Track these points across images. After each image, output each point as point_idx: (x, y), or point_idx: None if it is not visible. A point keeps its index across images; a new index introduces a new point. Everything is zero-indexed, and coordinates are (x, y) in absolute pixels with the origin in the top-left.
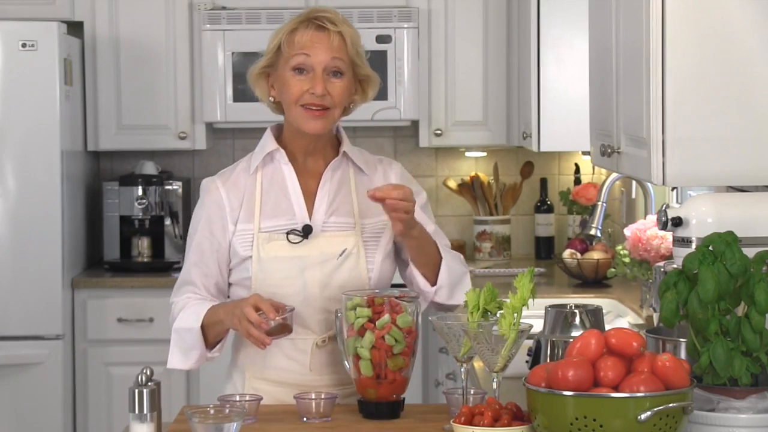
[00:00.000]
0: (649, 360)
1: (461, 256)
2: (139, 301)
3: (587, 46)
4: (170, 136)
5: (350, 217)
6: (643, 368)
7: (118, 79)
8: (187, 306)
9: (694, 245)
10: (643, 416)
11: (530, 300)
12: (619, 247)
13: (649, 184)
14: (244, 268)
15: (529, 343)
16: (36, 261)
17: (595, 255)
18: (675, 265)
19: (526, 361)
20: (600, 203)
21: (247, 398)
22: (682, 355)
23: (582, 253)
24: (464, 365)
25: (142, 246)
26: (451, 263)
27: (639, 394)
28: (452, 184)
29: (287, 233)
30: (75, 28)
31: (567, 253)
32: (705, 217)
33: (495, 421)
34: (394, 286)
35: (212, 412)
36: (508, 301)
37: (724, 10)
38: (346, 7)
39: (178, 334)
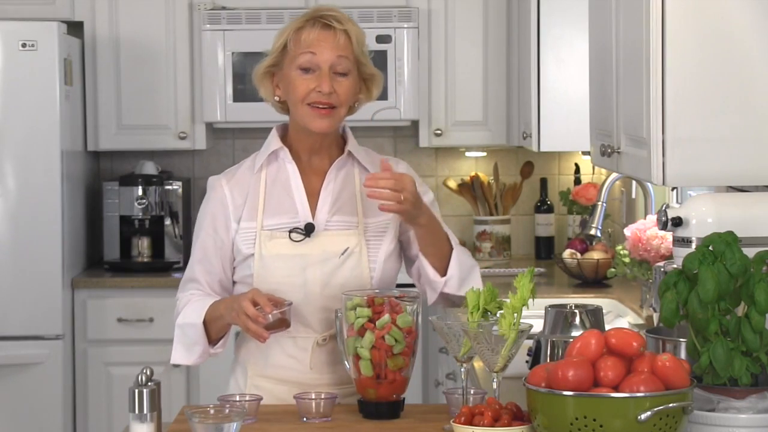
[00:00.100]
0: (649, 360)
1: (469, 252)
2: (139, 301)
3: (587, 46)
4: (170, 136)
5: (353, 216)
6: (643, 368)
7: (118, 79)
8: (191, 302)
9: (694, 245)
10: (643, 416)
11: (530, 300)
12: (619, 247)
13: (649, 184)
14: (247, 265)
15: (529, 343)
16: (36, 261)
17: (595, 255)
18: (675, 265)
19: (526, 361)
20: (600, 203)
21: (247, 398)
22: (682, 355)
23: (582, 253)
24: (464, 365)
25: (142, 246)
26: (462, 255)
27: (639, 394)
28: (452, 184)
29: (290, 231)
30: (75, 28)
31: (567, 253)
32: (705, 217)
33: (495, 421)
34: (398, 286)
35: (212, 412)
36: (508, 301)
37: (724, 10)
38: (346, 7)
39: (181, 330)
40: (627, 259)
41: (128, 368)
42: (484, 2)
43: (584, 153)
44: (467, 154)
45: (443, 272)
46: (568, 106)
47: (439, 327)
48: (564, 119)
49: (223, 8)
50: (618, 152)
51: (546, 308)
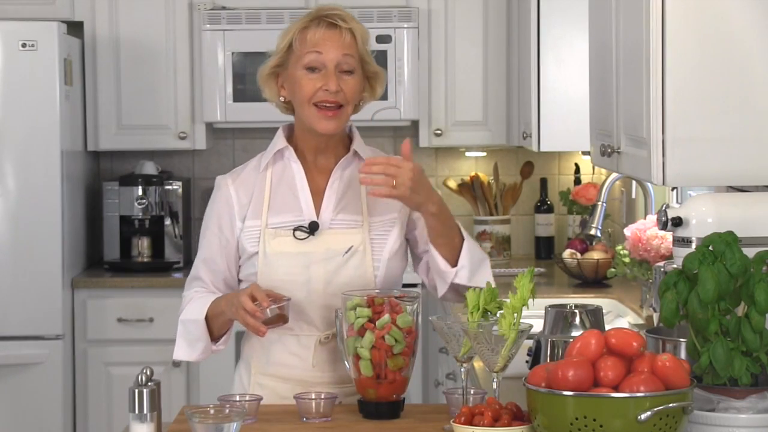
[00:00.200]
0: (649, 360)
1: (479, 245)
2: (139, 301)
3: (587, 46)
4: (170, 136)
5: (358, 215)
6: (643, 368)
7: (118, 79)
8: (194, 299)
9: (694, 245)
10: (643, 416)
11: (530, 300)
12: (619, 247)
13: (649, 184)
14: (251, 263)
15: (529, 343)
16: (36, 261)
17: (595, 255)
18: (675, 265)
19: (526, 361)
20: (600, 203)
21: (247, 398)
22: (682, 355)
23: (582, 253)
24: (464, 365)
25: (142, 246)
26: (473, 247)
27: (639, 394)
28: (452, 184)
29: (294, 229)
30: (75, 28)
31: (567, 253)
32: (705, 217)
33: (495, 421)
34: (404, 286)
35: (212, 412)
36: (508, 301)
37: (724, 10)
38: (346, 7)
39: (183, 326)
40: (627, 259)
41: (128, 368)
42: (484, 2)
43: (584, 153)
44: (467, 154)
45: (454, 263)
46: (568, 106)
47: (439, 327)
48: (564, 119)
49: (223, 8)
50: (618, 152)
51: (546, 308)
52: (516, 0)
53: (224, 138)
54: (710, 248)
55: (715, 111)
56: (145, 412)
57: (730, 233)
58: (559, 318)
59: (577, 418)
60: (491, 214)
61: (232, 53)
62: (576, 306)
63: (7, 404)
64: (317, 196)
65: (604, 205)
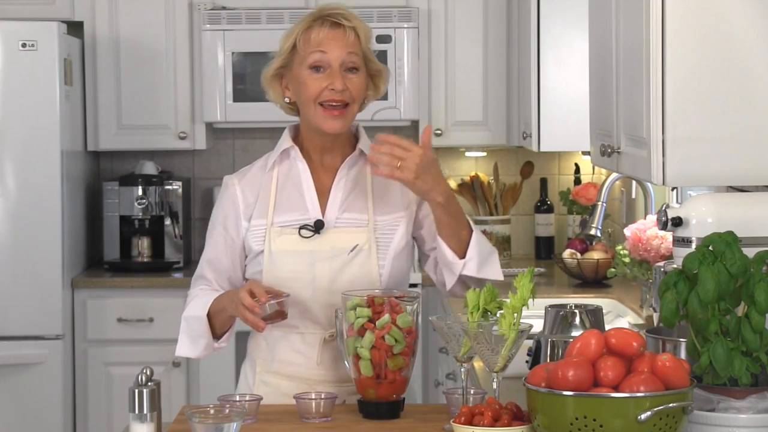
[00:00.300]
0: (649, 360)
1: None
2: (139, 301)
3: (587, 46)
4: (170, 136)
5: (364, 214)
6: (643, 368)
7: (118, 79)
8: (197, 296)
9: (694, 245)
10: (643, 416)
11: (530, 300)
12: (619, 247)
13: (649, 184)
14: (257, 262)
15: (529, 343)
16: (36, 261)
17: (595, 255)
18: (675, 265)
19: (526, 361)
20: (600, 203)
21: (247, 398)
22: (682, 355)
23: (582, 253)
24: (464, 365)
25: (142, 246)
26: (481, 239)
27: (639, 394)
28: (452, 184)
29: (299, 228)
30: (75, 28)
31: (567, 253)
32: (705, 217)
33: (495, 421)
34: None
35: (212, 412)
36: (508, 301)
37: (724, 10)
38: (347, 7)
39: (186, 323)
40: (627, 259)
41: (128, 368)
42: (484, 2)
43: (584, 153)
44: (467, 154)
45: (462, 255)
46: (568, 106)
47: (439, 327)
48: (564, 119)
49: (223, 8)
50: (618, 152)
51: (546, 308)
52: (516, 0)
53: (224, 138)
54: (710, 248)
55: (715, 111)
56: (145, 412)
57: (730, 233)
58: (559, 318)
59: (577, 418)
60: (491, 214)
61: (232, 53)
62: (576, 306)
63: (7, 404)
64: (323, 194)
65: (604, 205)
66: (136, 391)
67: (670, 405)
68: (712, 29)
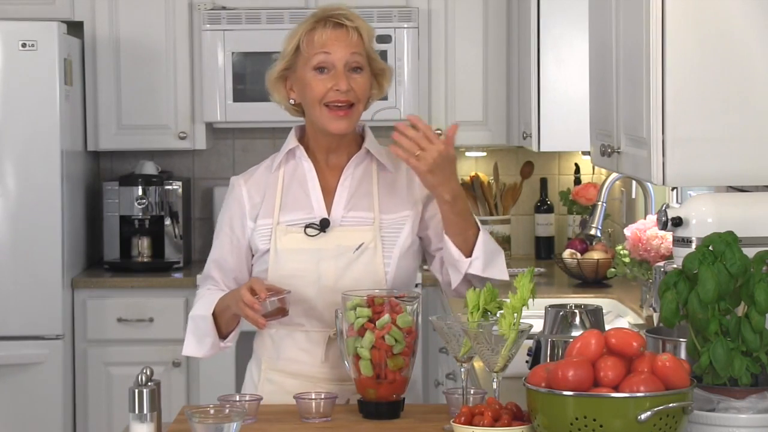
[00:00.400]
0: (649, 360)
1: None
2: (139, 301)
3: (587, 46)
4: (170, 136)
5: (369, 212)
6: (643, 368)
7: (118, 79)
8: (204, 296)
9: (694, 245)
10: (643, 416)
11: (530, 300)
12: (619, 247)
13: (649, 184)
14: (263, 261)
15: (529, 343)
16: (36, 261)
17: (595, 255)
18: (675, 265)
19: (526, 361)
20: (600, 203)
21: (247, 398)
22: (682, 355)
23: (582, 253)
24: (464, 365)
25: (142, 246)
26: (488, 239)
27: (639, 394)
28: None
29: (305, 227)
30: (75, 28)
31: (567, 253)
32: (705, 217)
33: (495, 421)
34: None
35: (212, 412)
36: (508, 301)
37: (724, 10)
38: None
39: (193, 322)
40: (627, 259)
41: (128, 368)
42: (484, 2)
43: (584, 153)
44: (467, 154)
45: (468, 254)
46: (568, 106)
47: (439, 327)
48: (564, 119)
49: (223, 8)
50: (618, 152)
51: (546, 308)
52: (516, 0)
53: (224, 138)
54: (710, 248)
55: (715, 111)
56: (145, 412)
57: (730, 233)
58: (559, 318)
59: (577, 418)
60: (491, 214)
61: (232, 53)
62: (576, 306)
63: (7, 404)
64: (328, 193)
65: (604, 205)
66: (136, 391)
67: (670, 405)
68: (712, 29)
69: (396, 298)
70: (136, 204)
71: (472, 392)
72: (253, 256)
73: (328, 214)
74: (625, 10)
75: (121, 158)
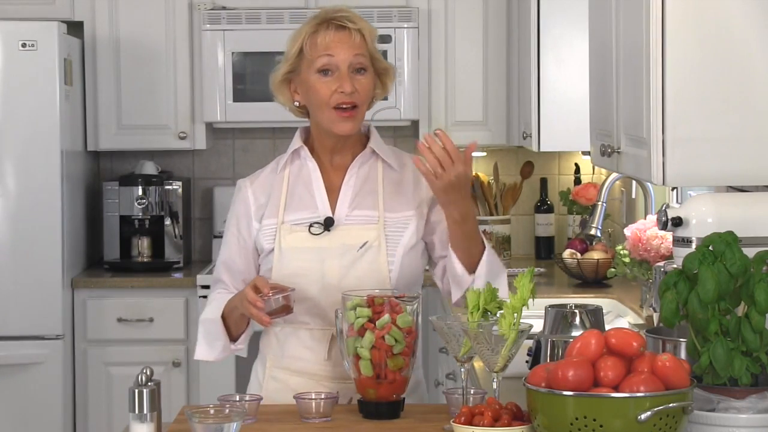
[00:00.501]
0: (649, 360)
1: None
2: (139, 301)
3: (587, 46)
4: (170, 136)
5: (374, 211)
6: (643, 368)
7: (118, 79)
8: (215, 299)
9: (694, 245)
10: (643, 416)
11: (530, 300)
12: (619, 247)
13: (649, 184)
14: (269, 260)
15: (529, 343)
16: (36, 261)
17: (595, 255)
18: (675, 265)
19: (526, 361)
20: (600, 203)
21: (247, 398)
22: (682, 355)
23: (582, 253)
24: (464, 365)
25: (142, 246)
26: (493, 258)
27: (639, 394)
28: None
29: (309, 225)
30: (75, 28)
31: (567, 253)
32: (705, 217)
33: (495, 421)
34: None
35: (212, 412)
36: (508, 301)
37: (724, 10)
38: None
39: (203, 326)
40: (627, 259)
41: (128, 368)
42: (484, 2)
43: (584, 153)
44: None
45: (472, 270)
46: (568, 106)
47: (439, 327)
48: (564, 119)
49: (223, 8)
50: (618, 152)
51: (546, 308)
52: (516, 0)
53: (224, 138)
54: (710, 248)
55: (715, 111)
56: (145, 412)
57: (730, 233)
58: (559, 318)
59: (577, 418)
60: (491, 214)
61: (232, 53)
62: (576, 306)
63: (7, 404)
64: (333, 193)
65: (604, 205)
66: (136, 391)
67: (670, 405)
68: (712, 29)
69: (396, 298)
70: (136, 204)
71: (472, 392)
72: (259, 256)
73: (333, 213)
74: (625, 10)
75: (121, 158)
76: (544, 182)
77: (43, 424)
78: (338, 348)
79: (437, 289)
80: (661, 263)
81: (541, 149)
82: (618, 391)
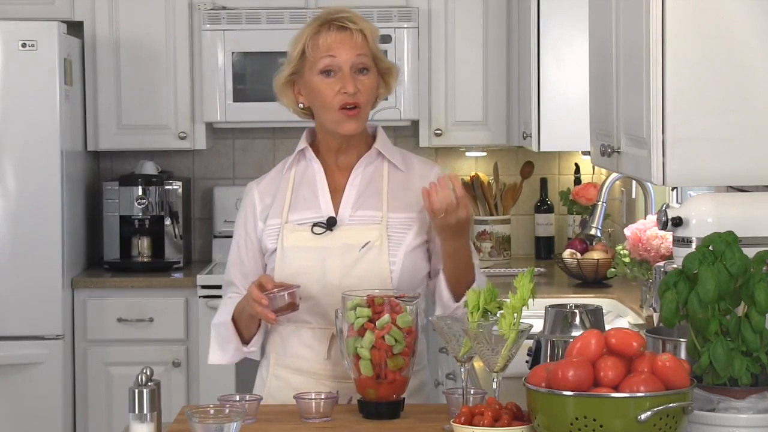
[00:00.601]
0: (649, 360)
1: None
2: (139, 301)
3: (587, 46)
4: (170, 136)
5: (378, 211)
6: (643, 368)
7: (118, 79)
8: (225, 303)
9: (694, 245)
10: (643, 416)
11: (530, 300)
12: (619, 247)
13: (649, 184)
14: (272, 259)
15: (529, 343)
16: (36, 261)
17: (595, 255)
18: (675, 265)
19: (526, 361)
20: (600, 203)
21: (247, 398)
22: (682, 355)
23: (582, 253)
24: (464, 365)
25: (142, 246)
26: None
27: (639, 394)
28: None
29: (312, 225)
30: (75, 28)
31: (567, 253)
32: (705, 217)
33: (495, 421)
34: None
35: (212, 412)
36: (508, 301)
37: (724, 10)
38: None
39: (215, 329)
40: (627, 259)
41: (128, 368)
42: (484, 2)
43: (584, 153)
44: (467, 154)
45: (458, 298)
46: (568, 106)
47: (439, 327)
48: (564, 119)
49: (223, 8)
50: (618, 152)
51: (546, 308)
52: (516, 0)
53: (224, 138)
54: (710, 248)
55: (715, 111)
56: (145, 412)
57: (730, 233)
58: (559, 318)
59: (577, 418)
60: (491, 214)
61: (232, 53)
62: (576, 306)
63: (7, 404)
64: (337, 193)
65: (604, 205)
66: (136, 391)
67: (670, 405)
68: (712, 29)
69: (396, 298)
70: (136, 204)
71: (472, 392)
72: (265, 256)
73: (336, 213)
74: (625, 10)
75: (121, 158)
76: (544, 182)
77: (43, 424)
78: (338, 347)
79: None
80: (661, 263)
81: (541, 149)
82: (618, 391)
